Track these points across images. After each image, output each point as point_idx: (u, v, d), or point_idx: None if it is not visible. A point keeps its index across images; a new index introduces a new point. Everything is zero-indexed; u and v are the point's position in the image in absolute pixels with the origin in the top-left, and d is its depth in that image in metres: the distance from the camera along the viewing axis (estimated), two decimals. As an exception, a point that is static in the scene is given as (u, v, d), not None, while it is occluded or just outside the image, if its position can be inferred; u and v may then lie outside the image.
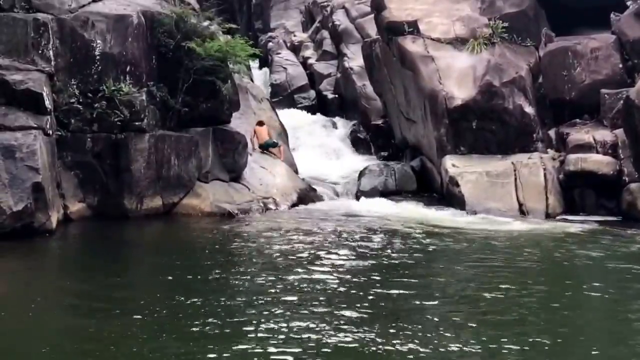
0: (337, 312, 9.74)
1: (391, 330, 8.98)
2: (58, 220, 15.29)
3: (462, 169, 19.61)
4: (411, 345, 8.48)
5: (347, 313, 9.70)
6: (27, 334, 9.03)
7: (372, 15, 25.00)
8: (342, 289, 11.00)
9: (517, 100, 20.11)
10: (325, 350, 8.32)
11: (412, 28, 21.40)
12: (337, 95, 30.44)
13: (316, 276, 11.64)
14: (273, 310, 9.74)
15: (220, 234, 15.53)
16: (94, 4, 17.42)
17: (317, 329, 8.98)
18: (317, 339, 8.61)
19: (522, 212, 18.62)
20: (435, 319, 9.62)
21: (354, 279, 11.63)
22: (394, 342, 8.57)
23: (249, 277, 11.76)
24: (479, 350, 8.38)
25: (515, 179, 19.11)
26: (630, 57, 20.11)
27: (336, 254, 13.44)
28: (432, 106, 20.47)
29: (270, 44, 35.09)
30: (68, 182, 16.41)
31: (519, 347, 8.46)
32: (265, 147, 21.32)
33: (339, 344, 8.50)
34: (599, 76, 20.09)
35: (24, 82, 15.43)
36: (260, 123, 21.66)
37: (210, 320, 9.32)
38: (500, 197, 18.91)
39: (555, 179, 19.01)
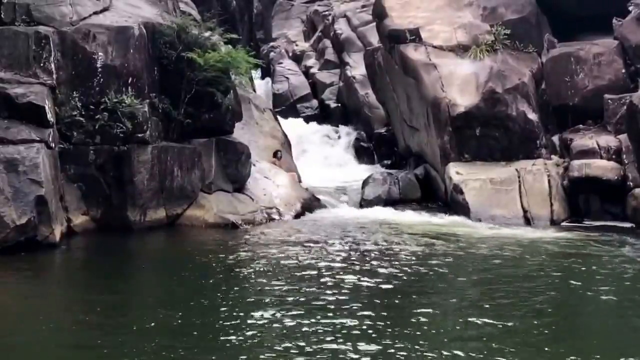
0: (349, 322, 9.70)
1: (407, 342, 8.93)
2: (62, 233, 15.24)
3: (466, 176, 19.55)
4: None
5: (358, 323, 9.66)
6: (32, 349, 8.99)
7: (374, 24, 24.97)
8: (351, 299, 10.95)
9: (520, 106, 20.05)
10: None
11: (414, 36, 21.37)
12: (339, 104, 30.39)
13: (323, 287, 11.59)
14: (282, 324, 9.68)
15: (224, 246, 15.48)
16: (95, 16, 17.40)
17: (327, 341, 8.93)
18: (329, 351, 8.56)
19: (527, 218, 18.55)
20: (450, 328, 9.59)
21: (362, 289, 11.59)
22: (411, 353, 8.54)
23: (254, 290, 11.71)
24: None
25: (520, 186, 19.04)
26: (633, 62, 20.04)
27: (343, 263, 13.40)
28: (435, 114, 20.43)
29: (272, 53, 35.06)
30: (71, 194, 16.36)
31: None
32: None
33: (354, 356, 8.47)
34: (602, 81, 20.02)
35: (26, 95, 15.40)
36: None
37: (215, 336, 9.28)
38: (505, 204, 18.85)
39: (559, 185, 18.95)
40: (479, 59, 20.60)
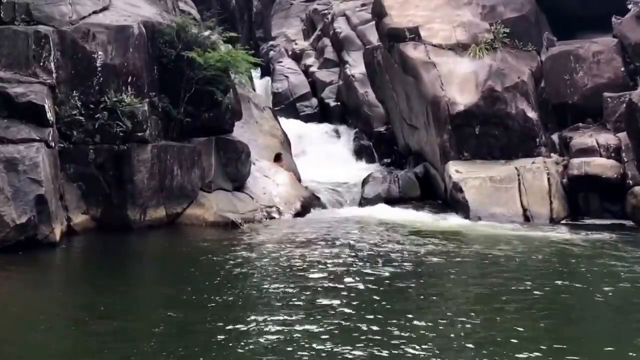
0: (349, 323, 9.70)
1: (408, 344, 8.93)
2: (62, 233, 15.25)
3: (466, 174, 19.56)
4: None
5: (358, 325, 9.66)
6: (32, 349, 9.00)
7: (373, 22, 24.96)
8: (351, 299, 10.95)
9: (519, 105, 20.07)
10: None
11: (414, 34, 21.37)
12: (339, 103, 30.36)
13: (322, 288, 11.59)
14: (282, 324, 9.68)
15: (224, 245, 15.47)
16: (94, 16, 17.41)
17: (327, 342, 8.93)
18: (329, 352, 8.57)
19: (527, 217, 18.57)
20: (451, 329, 9.59)
21: (363, 289, 11.58)
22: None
23: (254, 290, 11.70)
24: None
25: (519, 184, 19.05)
26: (632, 60, 20.04)
27: (343, 263, 13.40)
28: (434, 112, 20.44)
29: (272, 52, 35.04)
30: (71, 194, 16.37)
31: None
32: None
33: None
34: (601, 80, 20.02)
35: (26, 94, 15.41)
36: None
37: (216, 337, 9.29)
38: (504, 202, 18.86)
39: (559, 184, 18.96)
40: (478, 58, 20.61)
